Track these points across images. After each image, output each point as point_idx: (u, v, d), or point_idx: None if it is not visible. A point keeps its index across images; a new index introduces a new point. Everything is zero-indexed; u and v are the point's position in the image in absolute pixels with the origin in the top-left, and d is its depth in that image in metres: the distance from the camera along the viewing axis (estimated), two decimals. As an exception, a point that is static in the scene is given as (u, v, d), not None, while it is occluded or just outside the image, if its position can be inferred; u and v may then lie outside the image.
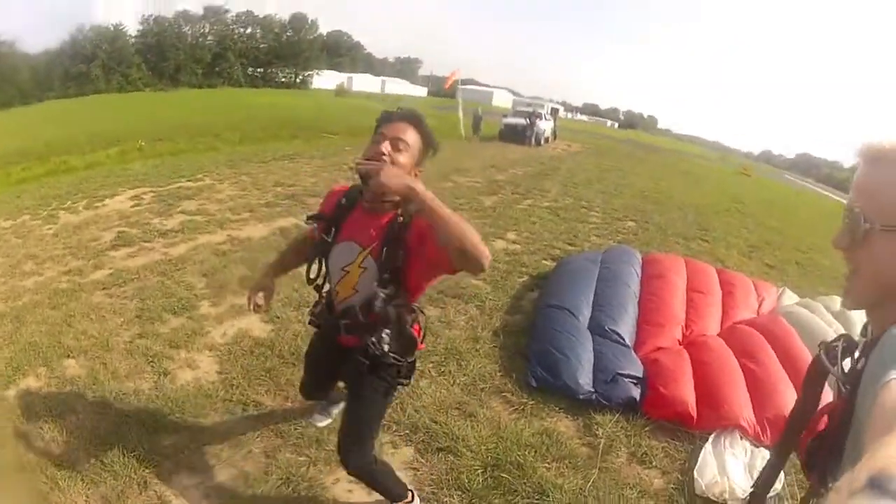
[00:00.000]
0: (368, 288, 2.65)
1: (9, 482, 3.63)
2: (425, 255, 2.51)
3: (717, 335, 5.97)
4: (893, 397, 0.93)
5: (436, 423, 4.37)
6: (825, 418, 1.34)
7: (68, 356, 5.13)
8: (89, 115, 39.73)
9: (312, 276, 2.96)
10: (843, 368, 1.39)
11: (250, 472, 3.80)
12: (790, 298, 7.33)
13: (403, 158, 2.54)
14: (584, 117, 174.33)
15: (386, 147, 2.52)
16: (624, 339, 5.65)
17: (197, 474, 3.78)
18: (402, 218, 2.61)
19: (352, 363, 2.77)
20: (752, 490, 1.88)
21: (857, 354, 1.35)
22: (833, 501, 0.64)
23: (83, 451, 3.89)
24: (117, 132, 24.23)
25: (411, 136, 2.58)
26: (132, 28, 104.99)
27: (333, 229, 2.77)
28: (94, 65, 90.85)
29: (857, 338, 1.43)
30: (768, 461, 1.80)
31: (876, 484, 0.61)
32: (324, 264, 2.91)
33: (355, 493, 3.68)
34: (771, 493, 2.00)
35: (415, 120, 2.63)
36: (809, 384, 1.57)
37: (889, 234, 1.19)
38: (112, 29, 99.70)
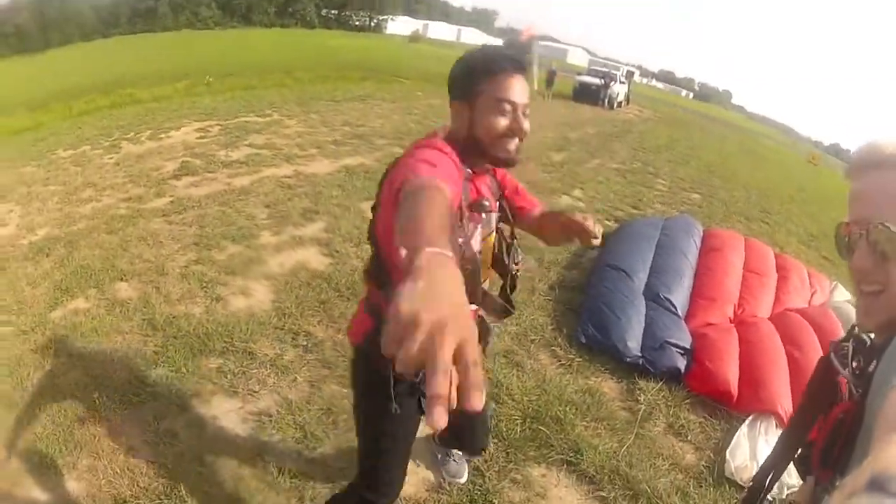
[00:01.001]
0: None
1: (45, 405, 3.63)
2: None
3: (768, 319, 5.84)
4: None
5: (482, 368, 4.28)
6: (837, 420, 1.22)
7: (121, 279, 5.18)
8: (157, 51, 40.41)
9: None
10: (854, 370, 1.29)
11: (293, 399, 3.78)
12: (842, 294, 7.14)
13: (528, 125, 2.01)
14: (660, 84, 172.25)
15: (524, 122, 1.98)
16: (676, 309, 5.60)
17: (239, 398, 3.78)
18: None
19: None
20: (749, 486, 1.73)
21: (868, 356, 1.25)
22: (836, 500, 0.64)
23: (125, 370, 3.92)
24: (186, 67, 24.55)
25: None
26: None
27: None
28: (161, 1, 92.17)
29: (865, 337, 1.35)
30: (770, 456, 1.67)
31: (877, 484, 0.61)
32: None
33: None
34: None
35: (528, 69, 2.08)
36: (816, 384, 1.47)
37: None
38: None
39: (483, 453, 3.37)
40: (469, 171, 2.02)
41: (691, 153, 20.51)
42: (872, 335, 1.31)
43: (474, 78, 1.96)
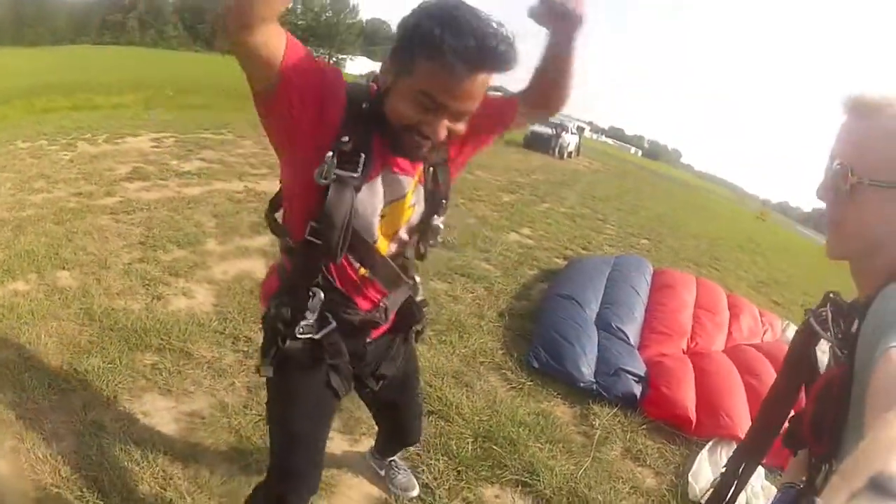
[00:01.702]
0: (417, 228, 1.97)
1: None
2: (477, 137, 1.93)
3: (722, 352, 5.87)
4: (893, 368, 0.89)
5: (430, 386, 4.18)
6: (824, 388, 1.24)
7: (63, 268, 4.98)
8: (119, 62, 40.03)
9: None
10: (835, 333, 1.32)
11: (230, 403, 3.60)
12: (792, 333, 7.14)
13: (462, 127, 1.66)
14: (609, 140, 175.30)
15: (444, 129, 1.60)
16: (629, 339, 5.55)
17: (172, 397, 3.59)
18: None
19: (389, 348, 2.18)
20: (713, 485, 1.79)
21: (848, 317, 1.29)
22: (835, 488, 0.64)
23: (57, 356, 3.73)
24: (146, 80, 24.24)
25: (484, 94, 1.63)
26: None
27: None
28: (131, 16, 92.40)
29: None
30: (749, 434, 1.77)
31: (877, 484, 0.61)
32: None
33: (335, 439, 3.47)
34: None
35: (494, 65, 1.56)
36: (794, 356, 1.54)
37: (876, 190, 1.16)
38: None
39: (419, 442, 3.22)
40: (366, 106, 1.67)
41: (640, 203, 20.75)
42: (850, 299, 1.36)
43: (415, 50, 1.53)
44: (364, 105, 1.63)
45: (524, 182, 17.18)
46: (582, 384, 4.74)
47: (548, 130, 33.35)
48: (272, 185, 8.39)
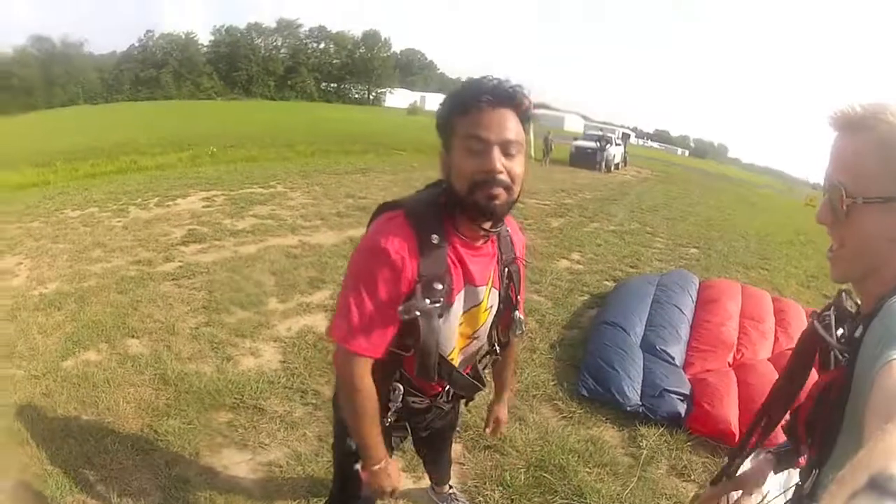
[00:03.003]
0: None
1: (55, 445, 3.82)
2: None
3: (767, 360, 6.02)
4: (894, 380, 0.94)
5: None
6: (822, 389, 1.33)
7: (132, 336, 5.42)
8: (159, 119, 41.14)
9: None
10: (839, 338, 1.40)
11: (303, 452, 3.95)
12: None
13: (519, 168, 1.80)
14: (656, 144, 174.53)
15: (499, 159, 1.74)
16: (674, 359, 5.76)
17: (249, 450, 3.95)
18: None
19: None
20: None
21: (853, 323, 1.36)
22: (835, 490, 0.64)
23: (137, 420, 4.13)
24: (188, 137, 25.06)
25: (519, 130, 1.80)
26: (203, 38, 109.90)
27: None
28: (164, 71, 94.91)
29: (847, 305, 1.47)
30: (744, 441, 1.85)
31: (876, 484, 0.61)
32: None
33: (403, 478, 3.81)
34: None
35: (514, 101, 1.79)
36: (800, 356, 1.62)
37: (871, 207, 1.21)
38: (183, 37, 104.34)
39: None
40: (437, 237, 1.83)
41: (689, 209, 20.77)
42: (841, 299, 1.47)
43: (449, 117, 1.81)
44: (434, 238, 1.82)
45: (572, 203, 17.38)
46: (629, 408, 5.00)
47: (592, 144, 33.57)
48: (325, 238, 8.93)
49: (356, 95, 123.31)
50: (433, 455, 3.23)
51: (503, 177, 1.74)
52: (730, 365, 5.87)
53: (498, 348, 2.32)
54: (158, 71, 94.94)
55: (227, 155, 19.61)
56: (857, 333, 1.23)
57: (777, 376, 4.75)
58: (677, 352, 5.88)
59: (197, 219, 9.98)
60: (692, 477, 4.31)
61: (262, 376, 4.85)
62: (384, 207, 1.96)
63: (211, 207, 11.03)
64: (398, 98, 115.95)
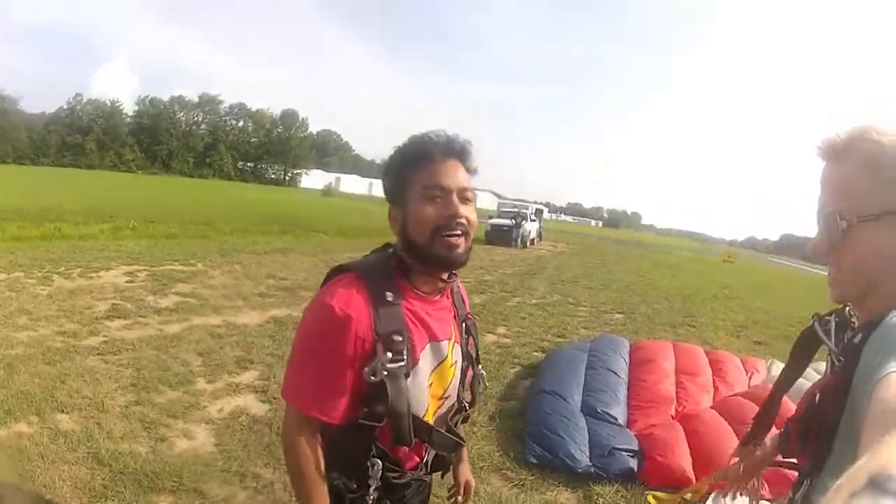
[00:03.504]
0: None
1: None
2: None
3: (710, 408, 6.21)
4: (893, 392, 0.94)
5: (437, 497, 4.46)
6: (817, 395, 1.33)
7: (62, 411, 5.27)
8: (84, 187, 40.46)
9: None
10: (837, 342, 1.43)
11: (249, 541, 3.86)
12: (779, 368, 7.42)
13: (473, 215, 1.88)
14: (569, 217, 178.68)
15: (459, 205, 1.82)
16: (616, 420, 5.89)
17: (194, 538, 3.84)
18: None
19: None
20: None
21: (852, 330, 1.37)
22: (833, 496, 0.63)
23: (75, 499, 4.00)
24: (111, 208, 24.61)
25: (469, 180, 1.90)
26: (128, 106, 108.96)
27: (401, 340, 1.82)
28: (89, 138, 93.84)
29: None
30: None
31: (877, 483, 0.61)
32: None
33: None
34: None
35: (463, 154, 1.90)
36: (798, 354, 1.68)
37: (866, 225, 1.24)
38: (109, 105, 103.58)
39: None
40: (391, 294, 1.81)
41: (609, 277, 21.30)
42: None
43: (401, 171, 1.85)
44: (388, 295, 1.81)
45: (492, 279, 17.60)
46: (580, 469, 5.09)
47: (507, 222, 34.41)
48: (249, 318, 8.86)
49: (272, 175, 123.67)
50: None
51: (463, 221, 1.81)
52: (673, 418, 6.02)
53: (467, 405, 2.25)
54: (84, 137, 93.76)
55: (147, 230, 19.33)
56: (857, 340, 1.25)
57: (723, 422, 4.87)
58: (619, 412, 6.01)
59: (120, 293, 9.80)
60: (655, 529, 4.42)
61: (198, 459, 4.76)
62: (333, 272, 1.94)
63: (133, 283, 10.84)
64: (313, 179, 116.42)
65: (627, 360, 7.48)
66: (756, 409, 5.57)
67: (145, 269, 12.19)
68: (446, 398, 2.07)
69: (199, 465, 4.64)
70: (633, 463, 5.13)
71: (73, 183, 44.58)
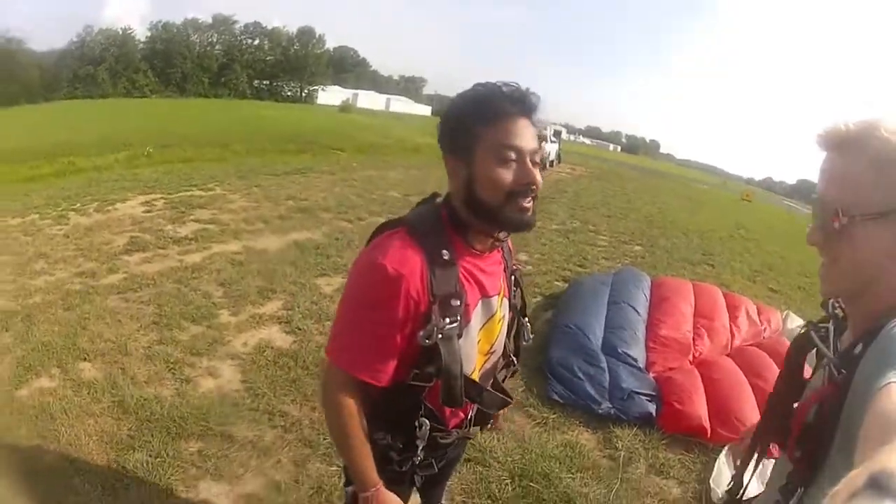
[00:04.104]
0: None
1: (21, 487, 3.58)
2: None
3: (727, 356, 6.17)
4: (892, 403, 0.92)
5: None
6: (814, 407, 1.27)
7: (84, 359, 5.14)
8: (97, 118, 40.33)
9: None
10: (835, 350, 1.38)
11: (281, 480, 3.80)
12: (794, 322, 7.53)
13: (539, 176, 1.76)
14: (587, 140, 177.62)
15: (535, 173, 1.73)
16: (636, 362, 5.83)
17: (225, 482, 3.77)
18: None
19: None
20: (730, 482, 1.84)
21: (852, 339, 1.30)
22: (834, 496, 0.63)
23: (103, 455, 3.88)
24: (125, 136, 24.47)
25: None
26: (140, 33, 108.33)
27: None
28: (101, 68, 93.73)
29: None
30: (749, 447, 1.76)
31: (876, 483, 0.61)
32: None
33: None
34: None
35: (535, 111, 1.77)
36: (793, 362, 1.57)
37: (867, 223, 1.20)
38: (120, 33, 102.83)
39: None
40: (448, 253, 1.72)
41: (628, 206, 21.09)
42: (828, 311, 1.46)
43: (467, 124, 1.71)
44: (444, 254, 1.72)
45: None
46: (600, 411, 5.08)
47: None
48: (270, 242, 8.75)
49: (288, 93, 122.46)
50: (437, 485, 2.98)
51: (536, 186, 1.73)
52: (691, 363, 5.99)
53: (515, 360, 2.24)
54: (95, 68, 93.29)
55: (163, 155, 19.20)
56: (857, 350, 1.19)
57: (739, 372, 4.86)
58: (638, 353, 5.97)
59: (139, 225, 9.65)
60: (671, 474, 4.44)
61: (224, 398, 4.67)
62: (383, 226, 1.84)
63: (151, 212, 10.66)
64: (330, 95, 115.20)
65: (648, 296, 7.39)
66: (770, 361, 5.55)
67: (163, 198, 11.98)
68: (492, 353, 2.04)
69: (226, 406, 4.55)
70: (652, 407, 5.12)
71: (85, 115, 44.44)
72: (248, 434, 4.24)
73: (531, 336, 2.25)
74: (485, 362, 2.01)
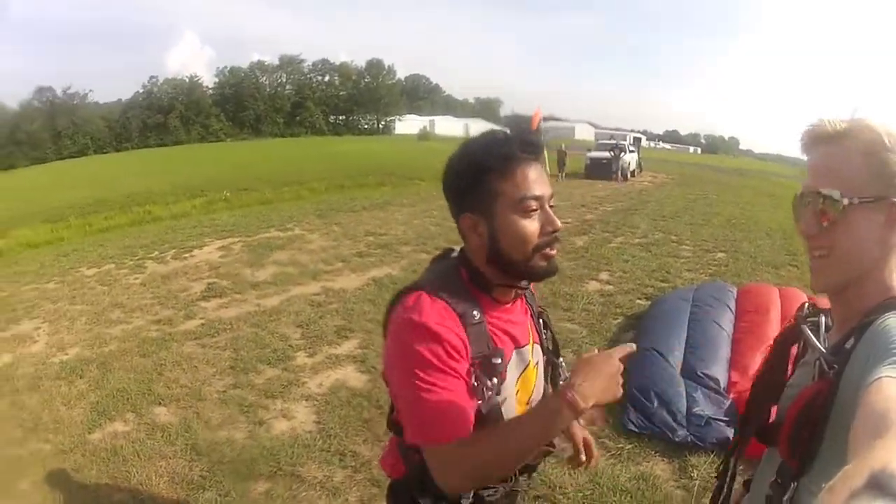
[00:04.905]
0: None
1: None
2: None
3: None
4: (883, 397, 0.94)
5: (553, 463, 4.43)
6: (808, 400, 1.29)
7: (159, 404, 5.43)
8: (171, 165, 41.76)
9: None
10: (826, 345, 1.40)
11: (347, 520, 3.90)
12: None
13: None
14: (667, 145, 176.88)
15: (556, 219, 1.76)
16: (717, 383, 5.71)
17: (293, 521, 3.90)
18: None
19: None
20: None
21: (841, 334, 1.34)
22: (834, 490, 0.64)
23: (173, 494, 4.11)
24: (201, 182, 25.35)
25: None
26: (207, 79, 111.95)
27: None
28: (171, 116, 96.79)
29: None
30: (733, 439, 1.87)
31: (876, 483, 0.62)
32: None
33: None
34: None
35: (542, 151, 1.80)
36: (779, 352, 1.62)
37: (863, 207, 1.25)
38: (188, 81, 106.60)
39: None
40: (477, 313, 1.71)
41: (710, 210, 20.85)
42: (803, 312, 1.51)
43: (483, 179, 1.69)
44: (474, 314, 1.69)
45: (594, 218, 17.47)
46: (676, 439, 5.02)
47: (606, 154, 33.98)
48: (348, 282, 8.93)
49: (365, 126, 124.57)
50: None
51: (560, 232, 1.74)
52: None
53: None
54: (165, 116, 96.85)
55: (241, 199, 19.76)
56: (848, 345, 1.24)
57: None
58: (719, 372, 5.85)
59: (216, 270, 10.04)
60: (748, 500, 4.35)
61: (296, 440, 4.83)
62: (400, 293, 1.77)
63: (229, 257, 11.08)
64: (408, 125, 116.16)
65: (734, 308, 7.26)
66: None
67: (240, 241, 12.43)
68: (531, 402, 1.96)
69: (298, 447, 4.71)
70: (730, 432, 4.98)
71: (159, 163, 46.12)
72: (317, 474, 4.38)
73: (568, 375, 2.03)
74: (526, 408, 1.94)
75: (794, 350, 1.61)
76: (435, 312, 1.64)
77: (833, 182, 1.28)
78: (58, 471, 4.39)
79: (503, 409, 1.73)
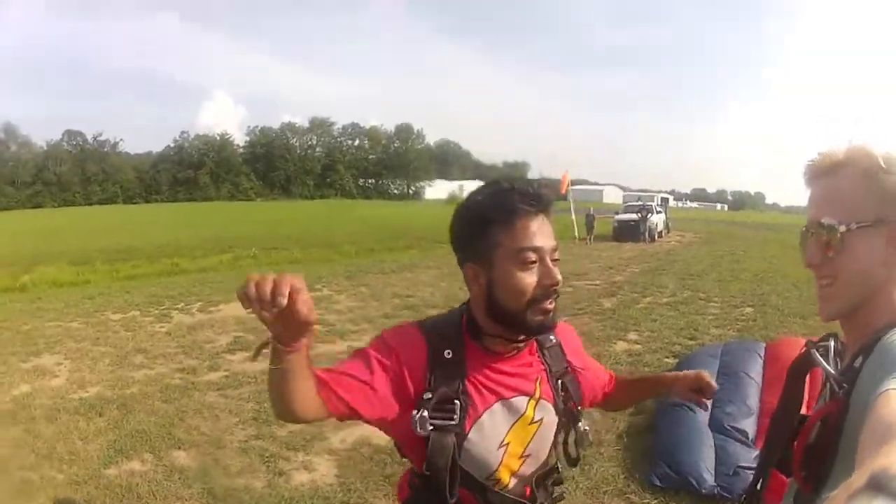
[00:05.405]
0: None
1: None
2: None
3: None
4: (890, 410, 0.96)
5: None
6: (819, 423, 1.32)
7: (178, 447, 5.50)
8: (199, 220, 42.67)
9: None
10: (836, 367, 1.43)
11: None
12: None
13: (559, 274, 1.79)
14: (695, 203, 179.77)
15: (556, 272, 1.75)
16: (745, 434, 5.74)
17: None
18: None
19: None
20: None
21: (852, 357, 1.36)
22: (834, 497, 0.66)
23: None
24: (230, 238, 25.73)
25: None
26: (238, 138, 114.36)
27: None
28: (201, 172, 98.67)
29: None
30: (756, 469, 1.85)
31: (876, 483, 0.63)
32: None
33: None
34: None
35: (550, 206, 1.82)
36: (793, 381, 1.66)
37: (864, 232, 1.28)
38: (218, 138, 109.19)
39: None
40: (450, 353, 1.77)
41: (738, 266, 21.07)
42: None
43: (485, 230, 1.72)
44: (447, 353, 1.77)
45: (622, 280, 17.61)
46: (704, 490, 5.02)
47: (634, 216, 34.55)
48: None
49: (395, 191, 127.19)
50: None
51: (559, 286, 1.75)
52: None
53: (560, 466, 2.15)
54: (196, 172, 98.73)
55: (269, 257, 20.00)
56: (857, 364, 1.27)
57: None
58: (748, 425, 5.89)
59: (242, 325, 10.12)
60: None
61: (316, 492, 4.86)
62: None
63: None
64: (437, 190, 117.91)
65: (763, 357, 7.34)
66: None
67: (269, 299, 12.45)
68: (527, 456, 1.98)
69: (318, 499, 4.75)
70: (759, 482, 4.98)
71: (188, 216, 47.05)
72: (335, 528, 4.38)
73: (591, 441, 2.11)
74: (520, 465, 1.97)
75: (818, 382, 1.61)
76: (402, 336, 1.77)
77: (832, 211, 1.33)
78: (68, 500, 4.48)
79: (475, 452, 1.81)
